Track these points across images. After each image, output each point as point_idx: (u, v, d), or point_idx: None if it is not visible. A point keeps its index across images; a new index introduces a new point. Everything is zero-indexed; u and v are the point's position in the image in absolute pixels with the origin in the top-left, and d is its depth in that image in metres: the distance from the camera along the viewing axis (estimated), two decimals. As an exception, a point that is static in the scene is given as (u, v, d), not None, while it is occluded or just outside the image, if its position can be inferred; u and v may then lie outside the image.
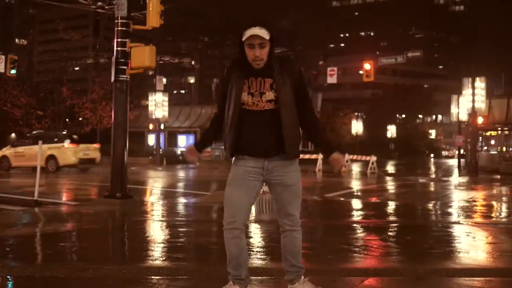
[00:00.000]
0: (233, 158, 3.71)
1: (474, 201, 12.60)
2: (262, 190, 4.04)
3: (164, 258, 5.41)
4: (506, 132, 32.51)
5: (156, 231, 7.50)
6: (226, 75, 3.70)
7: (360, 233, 7.31)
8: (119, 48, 10.43)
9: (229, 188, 3.67)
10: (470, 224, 8.15)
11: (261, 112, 3.58)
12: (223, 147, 3.77)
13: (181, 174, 24.71)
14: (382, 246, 6.16)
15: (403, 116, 78.13)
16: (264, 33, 3.49)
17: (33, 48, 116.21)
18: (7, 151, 23.88)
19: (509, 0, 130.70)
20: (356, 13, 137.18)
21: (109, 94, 32.89)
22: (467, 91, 29.02)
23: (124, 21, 10.47)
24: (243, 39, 3.52)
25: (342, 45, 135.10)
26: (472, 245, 6.34)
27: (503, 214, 10.35)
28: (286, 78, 3.60)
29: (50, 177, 19.26)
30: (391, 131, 71.56)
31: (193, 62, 40.45)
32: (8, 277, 4.69)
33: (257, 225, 7.68)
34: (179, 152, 40.34)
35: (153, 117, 36.86)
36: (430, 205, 11.43)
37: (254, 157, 3.62)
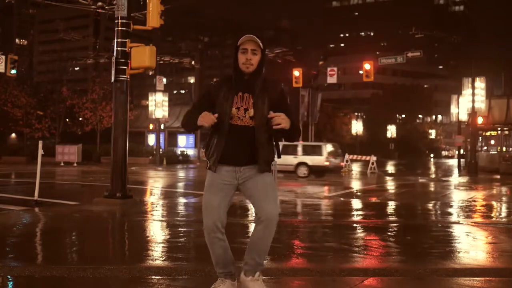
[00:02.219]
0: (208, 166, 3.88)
1: (474, 201, 12.60)
2: None
3: (164, 258, 5.41)
4: (506, 132, 32.51)
5: (156, 231, 7.50)
6: (214, 88, 3.84)
7: (360, 233, 7.31)
8: (119, 48, 10.43)
9: (207, 195, 3.83)
10: (470, 224, 8.15)
11: (244, 127, 3.75)
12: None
13: (181, 174, 24.70)
14: (382, 246, 6.17)
15: (403, 116, 78.14)
16: (258, 41, 3.74)
17: (33, 48, 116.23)
18: None
19: (509, 0, 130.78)
20: (356, 13, 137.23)
21: (109, 94, 32.89)
22: (467, 91, 29.04)
23: (124, 21, 10.46)
24: (239, 43, 3.76)
25: (342, 45, 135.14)
26: (472, 245, 6.34)
27: (503, 214, 10.35)
28: (265, 98, 3.78)
29: (49, 176, 19.26)
30: (391, 131, 71.57)
31: (193, 62, 40.37)
32: (8, 277, 4.69)
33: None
34: (179, 152, 40.34)
35: (153, 117, 36.86)
36: (430, 205, 11.43)
37: (228, 165, 3.79)
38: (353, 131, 62.90)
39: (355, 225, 8.04)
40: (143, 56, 10.28)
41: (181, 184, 18.21)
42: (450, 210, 10.43)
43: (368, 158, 26.83)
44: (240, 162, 3.79)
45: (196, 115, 3.74)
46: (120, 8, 10.43)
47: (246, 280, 3.84)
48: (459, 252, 5.88)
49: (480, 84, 28.83)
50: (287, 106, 3.90)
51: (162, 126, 38.48)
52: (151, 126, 40.00)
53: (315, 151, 20.92)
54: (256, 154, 3.76)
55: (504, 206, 12.07)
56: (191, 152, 42.94)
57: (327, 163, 20.30)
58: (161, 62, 32.71)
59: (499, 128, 32.42)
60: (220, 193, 3.80)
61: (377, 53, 65.73)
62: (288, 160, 19.80)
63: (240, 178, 3.81)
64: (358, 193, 15.06)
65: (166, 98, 37.18)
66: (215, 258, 3.84)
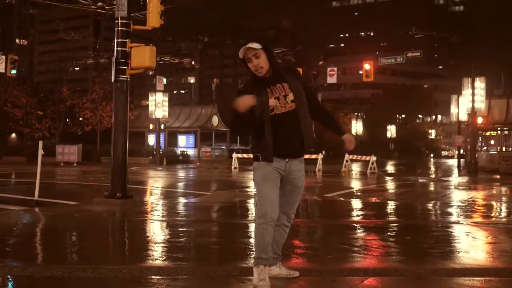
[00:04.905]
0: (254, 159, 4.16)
1: (474, 201, 12.59)
2: None
3: (164, 258, 5.41)
4: (506, 132, 32.51)
5: (156, 231, 7.50)
6: (244, 92, 4.07)
7: (360, 233, 7.31)
8: (119, 48, 10.43)
9: (267, 187, 4.10)
10: (470, 224, 8.15)
11: (287, 113, 4.04)
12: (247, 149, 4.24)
13: (181, 174, 24.69)
14: (382, 246, 6.17)
15: (403, 116, 78.18)
16: (254, 45, 3.95)
17: (34, 48, 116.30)
18: None
19: (509, 0, 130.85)
20: (356, 13, 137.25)
21: (109, 94, 32.90)
22: (466, 91, 29.03)
23: (124, 21, 10.46)
24: (241, 57, 4.01)
25: (342, 45, 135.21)
26: (472, 245, 6.34)
27: (503, 214, 10.35)
28: (297, 81, 4.14)
29: (50, 176, 19.26)
30: (391, 131, 71.57)
31: (193, 62, 40.36)
32: (9, 277, 4.69)
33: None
34: (179, 152, 40.35)
35: (153, 117, 36.86)
36: (430, 205, 11.43)
37: (280, 158, 4.08)
38: (353, 131, 62.86)
39: (355, 225, 8.04)
40: (143, 56, 10.28)
41: (181, 184, 18.22)
42: (450, 210, 10.43)
43: (368, 158, 26.81)
44: (290, 154, 4.09)
45: (241, 119, 4.01)
46: (120, 8, 10.43)
47: (273, 268, 4.41)
48: (459, 252, 5.88)
49: (480, 84, 28.83)
50: (310, 87, 4.32)
51: (162, 126, 38.49)
52: (151, 126, 40.03)
53: None
54: (302, 135, 4.05)
55: (504, 206, 12.07)
56: (191, 152, 42.95)
57: None
58: (161, 62, 32.70)
59: (498, 128, 32.42)
60: (276, 185, 4.13)
61: (377, 53, 65.74)
62: None
63: (287, 172, 4.14)
64: (358, 193, 15.06)
65: (166, 98, 37.18)
66: (264, 245, 4.11)
